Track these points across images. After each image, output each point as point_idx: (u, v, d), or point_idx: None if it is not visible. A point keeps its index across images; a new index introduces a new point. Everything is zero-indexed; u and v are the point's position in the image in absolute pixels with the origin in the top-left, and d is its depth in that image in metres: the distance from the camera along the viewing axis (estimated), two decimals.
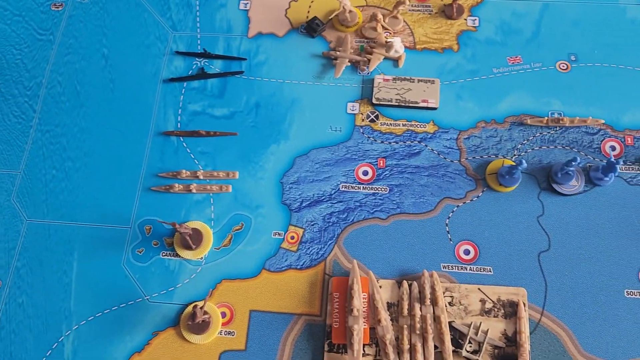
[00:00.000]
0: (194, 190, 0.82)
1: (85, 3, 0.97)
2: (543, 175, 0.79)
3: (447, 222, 0.78)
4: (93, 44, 0.94)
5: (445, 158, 0.82)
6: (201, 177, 0.83)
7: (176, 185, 0.83)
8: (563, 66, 0.86)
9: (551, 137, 0.82)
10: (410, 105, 0.84)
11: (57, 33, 0.95)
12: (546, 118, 0.82)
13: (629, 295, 0.72)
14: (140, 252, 0.80)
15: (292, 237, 0.79)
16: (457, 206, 0.79)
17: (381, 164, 0.82)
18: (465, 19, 0.91)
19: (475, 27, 0.90)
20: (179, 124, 0.87)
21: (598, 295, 0.73)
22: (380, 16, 0.87)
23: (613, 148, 0.80)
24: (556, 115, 0.82)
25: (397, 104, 0.84)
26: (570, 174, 0.77)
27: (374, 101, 0.85)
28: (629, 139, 0.80)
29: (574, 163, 0.73)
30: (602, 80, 0.84)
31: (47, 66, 0.93)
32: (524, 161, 0.73)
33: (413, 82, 0.85)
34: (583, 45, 0.87)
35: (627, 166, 0.79)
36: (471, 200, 0.79)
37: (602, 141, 0.81)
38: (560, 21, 0.90)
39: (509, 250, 0.76)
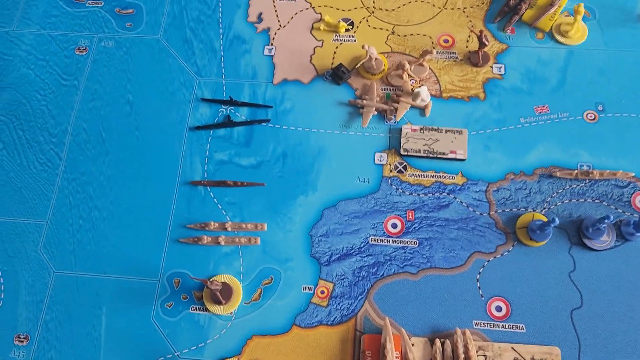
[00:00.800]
0: (222, 243, 0.82)
1: (109, 48, 0.97)
2: (574, 230, 0.79)
3: (478, 277, 0.78)
4: (118, 90, 0.94)
5: (474, 210, 0.82)
6: (229, 229, 0.83)
7: (205, 237, 0.82)
8: (590, 116, 0.86)
9: (581, 189, 0.81)
10: (439, 156, 0.84)
11: (82, 78, 0.95)
12: (575, 171, 0.82)
13: None
14: (169, 306, 0.79)
15: (322, 292, 0.79)
16: (488, 261, 0.79)
17: (410, 217, 0.82)
18: (491, 67, 0.91)
19: (501, 74, 0.90)
20: (205, 173, 0.87)
21: (633, 355, 0.72)
22: (407, 66, 0.87)
23: None
24: (585, 168, 0.82)
25: (425, 155, 0.84)
26: (602, 230, 0.77)
27: (402, 152, 0.85)
28: None
29: (606, 221, 0.73)
30: (631, 130, 0.84)
31: (72, 112, 0.93)
32: (556, 219, 0.72)
33: (441, 132, 0.85)
34: (610, 94, 0.87)
35: None
36: (502, 254, 0.79)
37: (632, 194, 0.81)
38: (586, 69, 0.90)
39: (541, 307, 0.76)
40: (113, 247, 0.83)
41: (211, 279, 0.76)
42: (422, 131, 0.85)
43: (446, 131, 0.85)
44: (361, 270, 0.79)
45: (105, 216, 0.85)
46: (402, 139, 0.85)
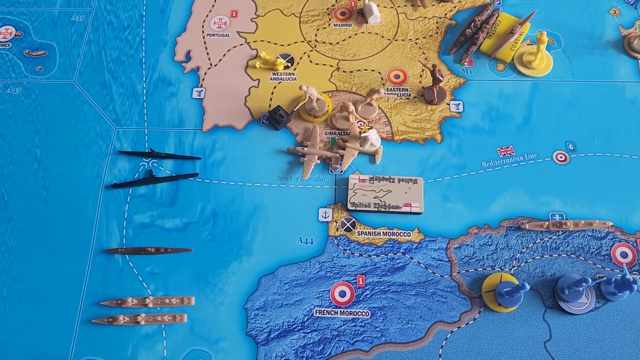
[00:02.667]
0: (142, 322, 0.70)
1: (16, 95, 0.85)
2: (548, 291, 0.69)
3: (440, 352, 0.66)
4: (24, 144, 0.82)
5: (434, 272, 0.71)
6: (151, 305, 0.70)
7: (121, 316, 0.70)
8: (561, 157, 0.76)
9: (554, 243, 0.71)
10: (392, 210, 0.73)
11: None
12: (547, 222, 0.71)
13: None
14: None
15: None
16: (452, 331, 0.67)
17: (361, 282, 0.71)
18: (448, 104, 0.81)
19: (459, 112, 0.81)
20: (124, 239, 0.75)
21: None
22: (352, 108, 0.77)
23: (625, 255, 0.70)
24: (557, 218, 0.72)
25: (376, 209, 0.73)
26: (580, 291, 0.66)
27: (349, 207, 0.74)
28: None
29: (584, 284, 0.63)
30: (606, 172, 0.75)
31: None
32: (526, 284, 0.62)
33: (393, 182, 0.75)
34: (581, 130, 0.78)
35: None
36: (467, 323, 0.68)
37: (611, 246, 0.71)
38: (553, 103, 0.80)
39: None
40: (14, 330, 0.71)
41: None
42: (372, 181, 0.75)
43: (399, 180, 0.74)
44: (305, 349, 0.68)
45: (6, 295, 0.73)
46: (349, 191, 0.74)
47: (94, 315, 0.71)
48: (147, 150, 0.79)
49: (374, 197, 0.74)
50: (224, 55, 0.88)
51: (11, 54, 0.89)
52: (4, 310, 0.72)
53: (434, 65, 0.78)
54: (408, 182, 0.74)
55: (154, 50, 0.88)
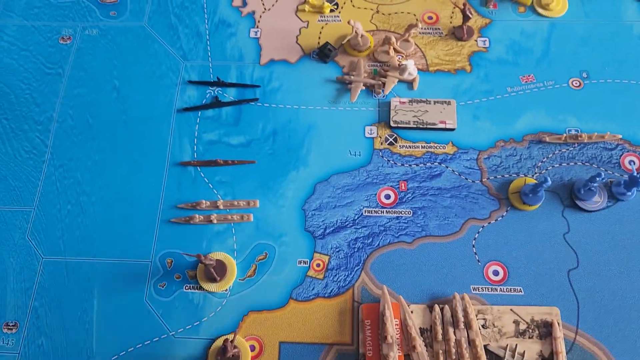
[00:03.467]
0: (214, 221, 0.81)
1: (93, 35, 0.97)
2: (565, 193, 0.79)
3: (473, 243, 0.78)
4: (103, 76, 0.93)
5: (466, 179, 0.82)
6: (221, 207, 0.82)
7: (196, 216, 0.81)
8: (576, 83, 0.87)
9: (570, 153, 0.82)
10: (429, 127, 0.84)
11: (66, 66, 0.94)
12: (564, 135, 0.82)
13: None
14: (162, 287, 0.78)
15: (318, 265, 0.78)
16: (483, 227, 0.78)
17: (403, 187, 0.82)
18: (476, 40, 0.92)
19: (486, 47, 0.91)
20: (195, 154, 0.86)
21: (631, 311, 0.72)
22: (393, 40, 0.88)
23: (632, 162, 0.81)
24: (574, 132, 0.83)
25: (415, 126, 0.84)
26: (593, 190, 0.77)
27: (392, 124, 0.85)
28: None
29: (598, 179, 0.74)
30: (615, 95, 0.86)
31: (57, 100, 0.92)
32: (548, 178, 0.73)
33: (429, 104, 0.85)
34: (593, 62, 0.89)
35: None
36: (496, 220, 0.79)
37: (621, 156, 0.81)
38: (568, 39, 0.91)
39: (537, 269, 0.75)
40: (103, 230, 0.82)
41: (205, 255, 0.75)
42: (410, 103, 0.85)
43: (435, 102, 0.85)
44: (356, 241, 0.79)
45: (94, 200, 0.84)
46: (391, 111, 0.85)
47: (172, 216, 0.82)
48: (213, 79, 0.90)
49: (413, 116, 0.84)
50: (276, 1, 0.98)
51: (86, 1, 1.01)
52: (93, 213, 0.83)
53: (464, 4, 0.88)
54: (443, 104, 0.85)
55: None
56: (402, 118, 0.84)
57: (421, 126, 0.83)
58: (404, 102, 0.85)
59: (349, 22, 0.87)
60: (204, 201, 0.82)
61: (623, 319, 0.72)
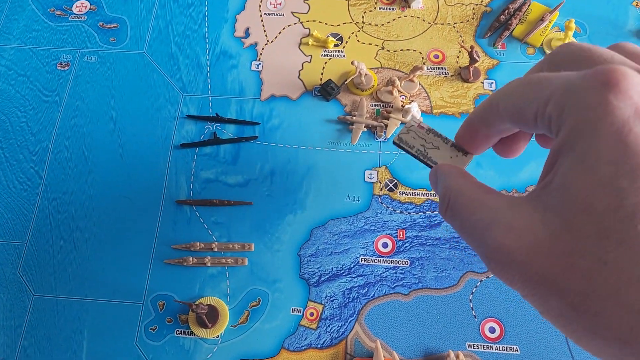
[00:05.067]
0: (208, 264, 0.80)
1: (92, 63, 0.95)
2: None
3: (470, 297, 0.76)
4: (101, 106, 0.92)
5: None
6: (216, 250, 0.80)
7: (190, 258, 0.80)
8: None
9: None
10: (427, 163, 0.82)
11: (64, 94, 0.93)
12: None
13: None
14: (153, 330, 0.77)
15: (312, 314, 0.77)
16: (481, 280, 0.77)
17: (401, 236, 0.80)
18: (482, 82, 0.90)
19: (492, 90, 0.89)
20: (191, 192, 0.85)
21: None
22: (397, 81, 0.86)
23: None
24: None
25: (415, 154, 0.81)
26: None
27: (396, 140, 0.82)
28: None
29: None
30: None
31: (53, 129, 0.90)
32: None
33: (447, 143, 0.83)
34: None
35: None
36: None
37: None
38: None
39: (535, 327, 0.74)
40: (95, 269, 0.81)
41: (197, 302, 0.73)
42: (428, 132, 0.83)
43: (452, 145, 0.83)
44: (351, 291, 0.77)
45: (87, 237, 0.83)
46: (404, 127, 0.82)
47: (166, 256, 0.81)
48: (212, 115, 0.89)
49: (421, 145, 0.82)
50: (279, 32, 0.97)
51: (86, 25, 0.99)
52: (86, 250, 0.82)
53: (471, 47, 0.86)
54: (459, 151, 0.83)
55: (216, 27, 0.98)
56: (410, 141, 0.82)
57: (421, 158, 0.81)
58: (422, 128, 0.83)
59: (352, 63, 0.85)
60: (198, 243, 0.81)
61: None
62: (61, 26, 0.99)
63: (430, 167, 0.77)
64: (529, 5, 0.95)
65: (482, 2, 0.98)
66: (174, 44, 0.96)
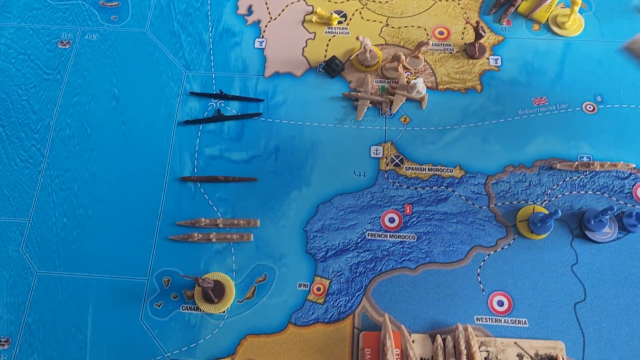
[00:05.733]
0: (213, 240, 0.79)
1: (93, 41, 0.94)
2: (575, 222, 0.77)
3: (478, 271, 0.76)
4: (103, 84, 0.91)
5: (473, 204, 0.79)
6: (221, 226, 0.80)
7: (195, 234, 0.79)
8: (590, 107, 0.84)
9: (581, 181, 0.80)
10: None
11: (65, 72, 0.92)
12: (576, 163, 0.80)
13: None
14: (159, 306, 0.76)
15: (319, 289, 0.76)
16: (488, 254, 0.76)
17: (408, 211, 0.80)
18: (487, 58, 0.89)
19: (497, 66, 0.89)
20: (195, 169, 0.84)
21: (638, 349, 0.70)
22: (403, 57, 0.85)
23: None
24: (585, 159, 0.81)
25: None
26: (604, 222, 0.75)
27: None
28: None
29: (610, 212, 0.72)
30: (630, 121, 0.83)
31: (55, 107, 0.89)
32: (559, 210, 0.71)
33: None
34: (608, 85, 0.86)
35: None
36: (502, 248, 0.77)
37: (633, 186, 0.79)
38: (583, 60, 0.88)
39: (544, 301, 0.73)
40: (99, 245, 0.80)
41: (203, 277, 0.73)
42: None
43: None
44: (358, 266, 0.77)
45: (91, 214, 0.82)
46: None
47: (171, 233, 0.80)
48: (216, 92, 0.88)
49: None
50: (283, 10, 0.96)
51: (87, 4, 0.98)
52: (90, 227, 0.81)
53: (477, 22, 0.86)
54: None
55: (219, 4, 0.96)
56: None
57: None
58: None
59: (357, 38, 0.85)
60: (203, 219, 0.80)
61: (629, 356, 0.70)
62: (62, 4, 0.98)
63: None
64: None
65: None
66: (176, 22, 0.95)
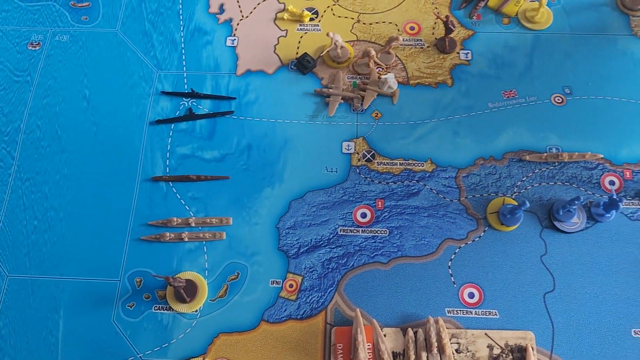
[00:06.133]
0: (185, 239, 0.79)
1: (64, 42, 0.94)
2: (544, 213, 0.78)
3: (449, 264, 0.76)
4: (74, 85, 0.90)
5: (444, 197, 0.80)
6: (193, 225, 0.80)
7: (167, 234, 0.79)
8: (558, 99, 0.85)
9: (550, 172, 0.80)
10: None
11: (35, 74, 0.91)
12: (545, 154, 0.81)
13: (637, 335, 0.71)
14: (131, 307, 0.76)
15: (291, 286, 0.76)
16: (459, 247, 0.77)
17: (380, 206, 0.80)
18: (458, 53, 0.90)
19: (468, 60, 0.89)
20: (167, 168, 0.83)
21: (606, 336, 0.71)
22: (373, 53, 0.85)
23: (612, 183, 0.79)
24: (554, 151, 0.81)
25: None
26: (572, 212, 0.76)
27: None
28: (627, 173, 0.80)
29: (577, 202, 0.72)
30: (598, 113, 0.84)
31: (25, 109, 0.89)
32: (527, 202, 0.71)
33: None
34: (577, 77, 0.87)
35: (628, 201, 0.78)
36: (473, 240, 0.77)
37: (601, 176, 0.80)
38: (552, 53, 0.89)
39: (513, 292, 0.74)
40: (71, 248, 0.79)
41: (174, 276, 0.73)
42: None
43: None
44: (330, 261, 0.77)
45: (62, 216, 0.81)
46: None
47: (142, 233, 0.80)
48: (187, 91, 0.88)
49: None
50: (254, 8, 0.96)
51: (57, 5, 0.97)
52: (61, 229, 0.81)
53: (447, 17, 0.86)
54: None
55: (190, 3, 0.96)
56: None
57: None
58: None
59: (328, 35, 0.85)
60: (175, 218, 0.80)
61: (597, 344, 0.71)
62: (31, 6, 0.97)
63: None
64: None
65: None
66: (147, 22, 0.95)
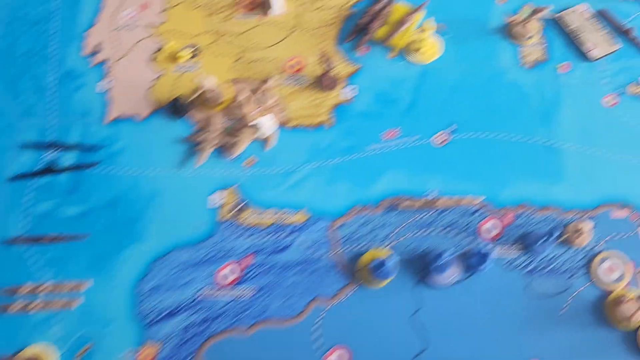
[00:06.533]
0: (35, 308, 0.73)
1: None
2: (419, 265, 0.73)
3: (315, 327, 0.70)
4: None
5: (314, 252, 0.74)
6: (45, 291, 0.74)
7: (14, 304, 0.73)
8: (441, 138, 0.80)
9: (428, 219, 0.75)
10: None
11: None
12: (422, 200, 0.75)
13: None
14: None
15: (148, 356, 0.70)
16: (328, 306, 0.71)
17: (247, 263, 0.74)
18: (342, 90, 0.84)
19: (351, 98, 0.84)
20: (23, 229, 0.78)
21: None
22: (247, 95, 0.80)
23: (492, 228, 0.74)
24: (431, 196, 0.76)
25: None
26: (445, 265, 0.70)
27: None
28: (507, 217, 0.74)
29: (446, 255, 0.67)
30: (481, 151, 0.79)
31: None
32: (395, 256, 0.67)
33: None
34: (462, 113, 0.82)
35: (505, 249, 0.73)
36: (343, 299, 0.72)
37: (479, 222, 0.74)
38: (439, 87, 0.84)
39: (384, 354, 0.68)
40: None
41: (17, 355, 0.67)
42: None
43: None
44: (190, 328, 0.71)
45: None
46: None
47: None
48: (49, 142, 0.82)
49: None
50: (131, 48, 0.90)
51: None
52: None
53: (322, 54, 0.81)
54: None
55: (63, 45, 0.91)
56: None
57: None
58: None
59: (196, 79, 0.79)
60: (24, 286, 0.74)
61: None
62: None
63: None
64: (391, 7, 0.89)
65: (345, 5, 0.92)
66: (14, 66, 0.89)
